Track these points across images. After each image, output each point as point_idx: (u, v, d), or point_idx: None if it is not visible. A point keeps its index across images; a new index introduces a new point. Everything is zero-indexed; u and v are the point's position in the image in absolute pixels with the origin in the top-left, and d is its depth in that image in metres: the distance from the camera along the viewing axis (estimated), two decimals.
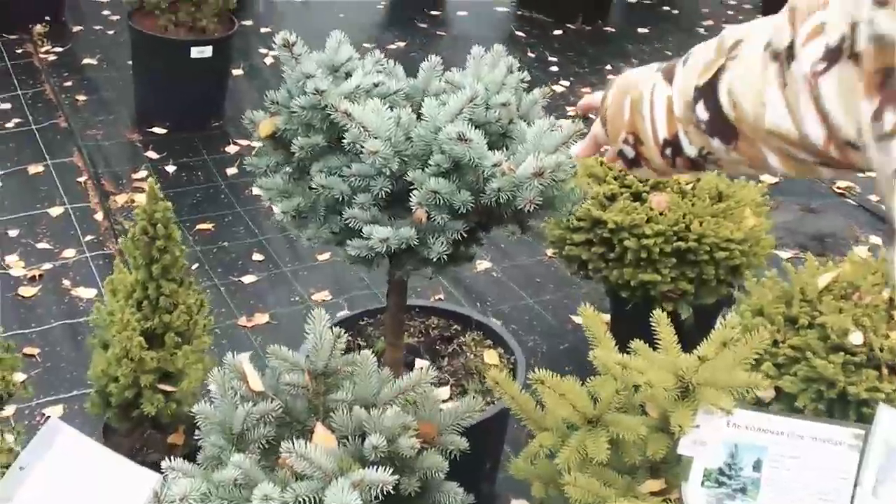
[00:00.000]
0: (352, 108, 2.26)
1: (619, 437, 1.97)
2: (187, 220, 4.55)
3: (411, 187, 2.31)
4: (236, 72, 5.99)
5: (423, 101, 2.59)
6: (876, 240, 4.69)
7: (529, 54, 6.79)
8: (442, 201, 2.24)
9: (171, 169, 4.99)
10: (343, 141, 2.33)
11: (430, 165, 2.26)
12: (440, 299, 4.09)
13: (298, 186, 2.57)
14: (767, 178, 5.36)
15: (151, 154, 5.11)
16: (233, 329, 3.86)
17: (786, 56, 1.05)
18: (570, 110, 5.83)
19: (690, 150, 1.30)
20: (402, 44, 6.80)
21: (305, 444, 1.97)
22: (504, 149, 2.42)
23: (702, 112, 1.24)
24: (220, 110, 5.55)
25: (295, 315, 3.94)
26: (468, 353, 3.11)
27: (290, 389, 2.19)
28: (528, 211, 2.24)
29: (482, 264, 4.32)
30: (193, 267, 4.20)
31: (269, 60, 6.26)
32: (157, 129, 5.33)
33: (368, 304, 3.74)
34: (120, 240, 3.91)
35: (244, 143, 5.28)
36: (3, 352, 2.68)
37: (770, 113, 1.10)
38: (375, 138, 2.26)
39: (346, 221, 2.35)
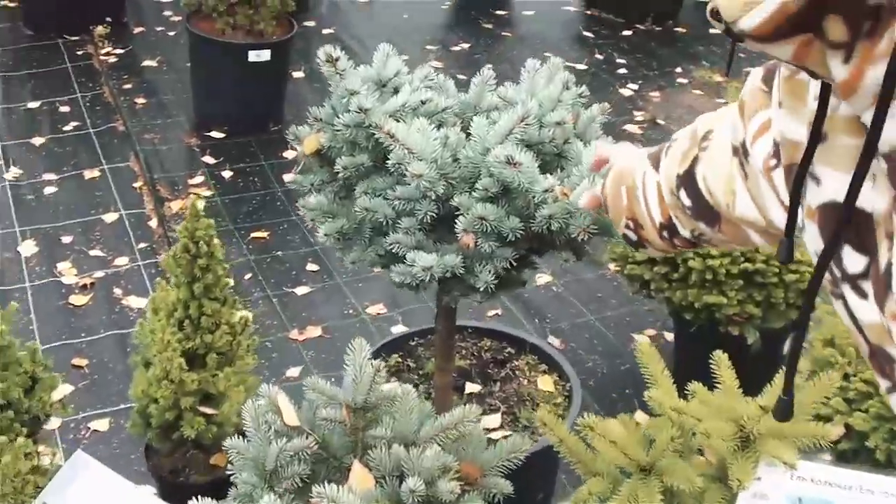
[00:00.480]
0: (395, 127, 2.15)
1: (674, 488, 1.82)
2: (242, 228, 4.47)
3: (458, 212, 2.19)
4: (297, 74, 5.92)
5: (473, 118, 2.47)
6: None
7: (597, 55, 6.62)
8: (489, 228, 2.11)
9: (227, 174, 4.92)
10: (388, 162, 2.22)
11: (478, 189, 2.14)
12: (497, 314, 3.96)
13: (343, 207, 2.46)
14: None
15: (208, 159, 5.05)
16: (284, 343, 3.77)
17: (742, 151, 1.12)
18: (639, 115, 5.66)
19: (685, 232, 1.37)
20: (466, 45, 6.67)
21: (338, 487, 1.86)
22: (558, 170, 2.29)
23: (685, 198, 1.30)
24: (278, 114, 5.47)
25: (348, 328, 3.85)
26: (521, 378, 2.98)
27: (328, 424, 2.08)
28: (582, 239, 2.11)
29: (542, 278, 4.19)
30: (246, 277, 4.13)
31: None
32: (214, 133, 5.27)
33: (424, 319, 3.63)
34: (162, 255, 3.84)
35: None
36: (42, 370, 2.60)
37: (739, 202, 1.17)
38: (420, 160, 2.14)
39: (391, 247, 2.24)
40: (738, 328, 3.25)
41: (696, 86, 6.12)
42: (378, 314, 3.96)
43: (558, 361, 3.00)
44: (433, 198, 2.17)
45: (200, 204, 2.66)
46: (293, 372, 3.61)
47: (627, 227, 1.52)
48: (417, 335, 3.13)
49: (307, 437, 2.04)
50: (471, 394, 2.92)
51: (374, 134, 2.24)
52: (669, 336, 3.87)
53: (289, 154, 5.14)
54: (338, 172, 2.39)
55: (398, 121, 2.27)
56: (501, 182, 2.12)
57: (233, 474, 2.05)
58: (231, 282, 2.77)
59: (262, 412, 2.09)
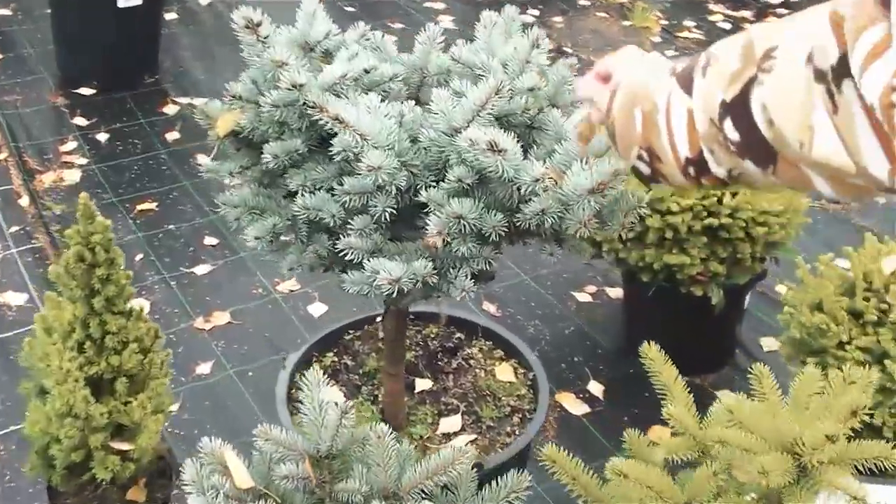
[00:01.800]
0: (342, 109, 1.74)
1: None
2: (126, 200, 3.98)
3: (417, 202, 1.81)
4: (169, 16, 5.37)
5: (421, 83, 2.08)
6: None
7: None
8: (468, 227, 1.74)
9: (102, 138, 4.40)
10: (331, 148, 1.82)
11: (449, 180, 1.75)
12: None
13: (271, 200, 2.05)
14: None
15: (80, 120, 4.51)
16: (189, 334, 3.34)
17: (834, 76, 0.90)
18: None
19: (719, 171, 1.11)
20: None
21: None
22: (533, 146, 1.92)
23: (731, 131, 1.04)
24: (153, 64, 4.94)
25: (259, 311, 3.44)
26: (477, 369, 2.63)
27: (287, 482, 1.69)
28: (580, 236, 1.75)
29: None
30: (137, 258, 3.66)
31: (205, 0, 5.62)
32: (84, 91, 4.72)
33: (344, 294, 3.23)
34: (52, 269, 3.35)
35: (184, 100, 4.69)
36: None
37: (819, 141, 0.94)
38: (375, 147, 1.75)
39: (343, 252, 1.85)
40: (701, 288, 2.96)
41: (599, 8, 5.77)
42: (291, 291, 3.55)
43: (515, 345, 2.66)
44: (392, 192, 1.78)
45: (92, 203, 2.20)
46: (204, 368, 3.20)
47: (640, 158, 1.22)
48: (351, 327, 2.74)
49: (264, 501, 1.66)
50: (422, 391, 2.56)
51: (307, 113, 1.84)
52: (613, 292, 3.58)
53: (170, 109, 4.64)
54: (261, 154, 1.98)
55: (338, 96, 1.87)
56: (478, 171, 1.74)
57: None
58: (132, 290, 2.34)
59: (205, 474, 1.69)
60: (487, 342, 2.70)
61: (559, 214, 1.72)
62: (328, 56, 2.05)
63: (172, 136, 4.41)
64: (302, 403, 1.77)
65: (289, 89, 1.83)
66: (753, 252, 2.93)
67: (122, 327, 2.29)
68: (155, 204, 3.97)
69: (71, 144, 4.32)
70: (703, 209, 2.85)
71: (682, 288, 2.98)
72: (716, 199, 2.85)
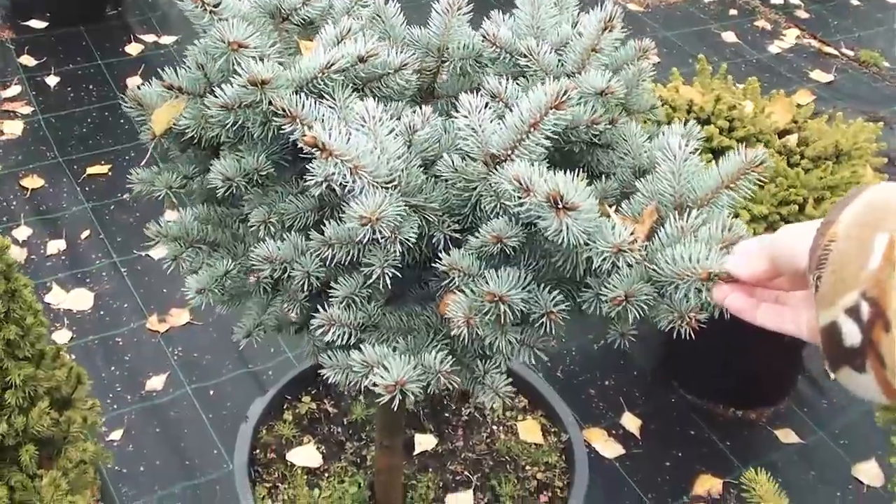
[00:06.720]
0: (325, 134, 1.13)
1: None
2: (75, 161, 3.36)
3: (424, 251, 1.24)
4: None
5: (437, 69, 1.48)
6: None
7: None
8: (511, 314, 1.15)
9: (52, 81, 3.76)
10: (307, 165, 1.22)
11: (482, 236, 1.16)
12: None
13: (226, 229, 1.47)
14: (820, 78, 4.30)
15: (27, 59, 3.86)
16: (140, 336, 2.75)
17: None
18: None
19: None
20: None
21: None
22: (600, 178, 1.33)
23: None
24: None
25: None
26: (493, 425, 2.06)
27: None
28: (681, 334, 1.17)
29: None
30: (83, 236, 3.06)
31: None
32: (34, 23, 4.08)
33: None
34: None
35: (150, 38, 4.06)
36: None
37: None
38: (374, 185, 1.15)
39: (321, 331, 1.26)
40: None
41: None
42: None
43: (541, 392, 2.09)
44: (392, 251, 1.18)
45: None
46: (156, 382, 2.61)
47: (852, 311, 0.67)
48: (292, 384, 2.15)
49: None
50: (423, 453, 2.00)
51: (274, 121, 1.25)
52: None
53: (133, 48, 3.99)
54: (207, 157, 1.41)
55: (320, 97, 1.27)
56: (526, 226, 1.15)
57: None
58: (44, 330, 1.74)
59: None
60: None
61: (649, 303, 1.13)
62: (308, 27, 1.45)
63: (134, 81, 3.77)
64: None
65: (246, 87, 1.23)
66: None
67: (31, 377, 1.71)
68: (108, 167, 3.35)
69: (14, 89, 3.69)
70: (779, 218, 2.26)
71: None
72: (797, 207, 2.27)
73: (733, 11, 4.87)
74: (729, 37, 4.60)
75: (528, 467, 1.96)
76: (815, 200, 2.29)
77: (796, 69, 4.37)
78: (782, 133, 2.47)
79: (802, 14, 4.89)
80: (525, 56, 1.35)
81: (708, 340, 2.57)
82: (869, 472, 2.51)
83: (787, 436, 2.60)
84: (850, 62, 4.47)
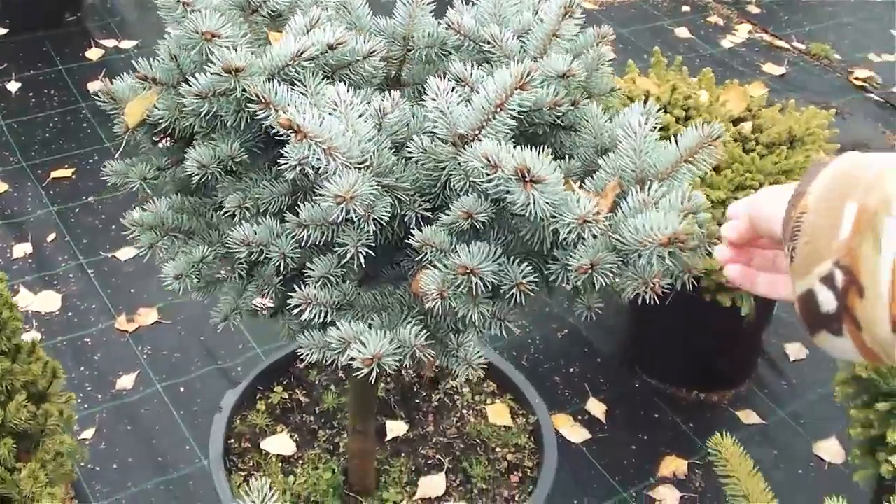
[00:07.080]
0: (299, 116, 1.17)
1: None
2: (39, 165, 3.37)
3: (397, 229, 1.28)
4: None
5: (403, 58, 1.52)
6: None
7: None
8: (482, 286, 1.19)
9: (13, 87, 3.76)
10: (280, 152, 1.26)
11: (453, 212, 1.20)
12: None
13: (200, 217, 1.50)
14: (772, 71, 4.38)
15: None
16: (108, 336, 2.77)
17: None
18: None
19: None
20: None
21: None
22: (564, 158, 1.37)
23: None
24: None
25: (193, 309, 2.87)
26: (463, 409, 2.10)
27: None
28: (646, 298, 1.22)
29: None
30: (49, 239, 3.07)
31: None
32: None
33: None
34: None
35: (110, 43, 4.07)
36: None
37: None
38: (345, 165, 1.19)
39: (298, 311, 1.30)
40: (728, 296, 2.44)
41: None
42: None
43: (509, 375, 2.14)
44: (368, 227, 1.22)
45: None
46: (126, 381, 2.63)
47: (827, 279, 0.71)
48: (262, 375, 2.17)
49: None
50: (395, 439, 2.04)
51: (247, 108, 1.29)
52: None
53: (93, 53, 4.01)
54: (186, 150, 1.44)
55: (292, 84, 1.31)
56: (494, 199, 1.19)
57: None
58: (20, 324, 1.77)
59: None
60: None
61: (614, 271, 1.18)
62: (277, 19, 1.49)
63: (95, 86, 3.77)
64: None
65: (220, 74, 1.26)
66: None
67: (7, 371, 1.74)
68: (72, 171, 3.36)
69: None
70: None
71: (706, 295, 2.46)
72: (753, 191, 2.33)
73: (686, 8, 4.95)
74: (682, 32, 4.69)
75: (498, 449, 2.01)
76: (771, 185, 2.35)
77: (749, 63, 4.46)
78: (737, 121, 2.54)
79: (754, 9, 4.99)
80: (489, 42, 1.40)
81: (669, 326, 2.65)
82: (830, 450, 2.58)
83: (748, 416, 2.67)
84: (801, 55, 4.56)
